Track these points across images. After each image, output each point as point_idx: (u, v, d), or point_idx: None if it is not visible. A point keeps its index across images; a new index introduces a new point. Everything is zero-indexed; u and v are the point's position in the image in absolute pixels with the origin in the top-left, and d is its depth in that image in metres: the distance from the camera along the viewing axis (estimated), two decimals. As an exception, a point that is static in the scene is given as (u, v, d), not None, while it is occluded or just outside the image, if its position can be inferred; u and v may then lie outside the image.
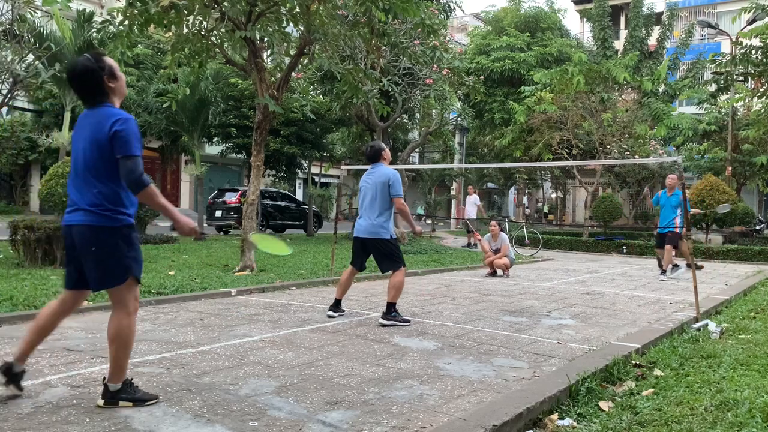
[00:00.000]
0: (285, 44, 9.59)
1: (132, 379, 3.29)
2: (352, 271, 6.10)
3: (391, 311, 5.70)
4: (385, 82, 14.47)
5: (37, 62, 14.33)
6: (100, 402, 3.18)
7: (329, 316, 5.96)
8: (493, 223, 11.14)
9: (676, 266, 10.80)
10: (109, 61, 3.17)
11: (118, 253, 3.11)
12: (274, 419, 3.08)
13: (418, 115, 21.57)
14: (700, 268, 11.77)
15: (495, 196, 47.59)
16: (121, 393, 3.17)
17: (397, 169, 6.02)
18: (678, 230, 10.20)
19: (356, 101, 13.48)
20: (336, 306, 6.06)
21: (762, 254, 14.94)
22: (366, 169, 6.03)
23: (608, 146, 20.45)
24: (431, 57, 14.38)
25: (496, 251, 10.54)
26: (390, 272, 5.84)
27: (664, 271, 10.53)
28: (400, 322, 5.65)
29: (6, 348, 4.36)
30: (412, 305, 6.85)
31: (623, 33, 33.23)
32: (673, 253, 10.79)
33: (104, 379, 3.22)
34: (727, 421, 3.09)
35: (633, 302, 7.62)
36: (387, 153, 6.06)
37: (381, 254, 5.81)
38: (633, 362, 4.32)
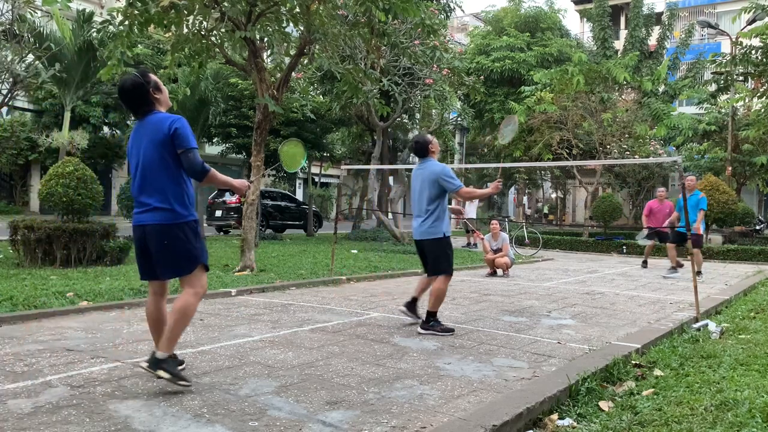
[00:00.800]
0: (285, 44, 9.59)
1: (177, 356, 3.62)
2: (426, 278, 5.71)
3: (430, 321, 5.35)
4: (385, 82, 14.47)
5: (37, 62, 14.31)
6: (144, 364, 3.46)
7: (401, 311, 5.71)
8: (494, 222, 11.10)
9: (674, 269, 10.84)
10: (153, 76, 3.66)
11: (189, 245, 3.56)
12: (274, 419, 3.08)
13: (418, 115, 21.56)
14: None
15: (495, 196, 47.56)
16: (164, 363, 3.43)
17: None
18: (701, 232, 10.51)
19: (356, 101, 13.49)
20: (410, 305, 5.69)
21: (762, 254, 14.94)
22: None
23: (608, 146, 20.44)
24: (431, 57, 14.39)
25: (497, 251, 10.52)
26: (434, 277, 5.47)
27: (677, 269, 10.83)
28: (440, 332, 5.28)
29: (6, 348, 4.36)
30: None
31: (623, 33, 33.23)
32: (674, 253, 10.85)
33: (155, 347, 3.53)
34: (727, 421, 3.09)
35: (633, 302, 7.62)
36: (435, 145, 5.61)
37: (435, 254, 5.47)
38: (633, 362, 4.32)
